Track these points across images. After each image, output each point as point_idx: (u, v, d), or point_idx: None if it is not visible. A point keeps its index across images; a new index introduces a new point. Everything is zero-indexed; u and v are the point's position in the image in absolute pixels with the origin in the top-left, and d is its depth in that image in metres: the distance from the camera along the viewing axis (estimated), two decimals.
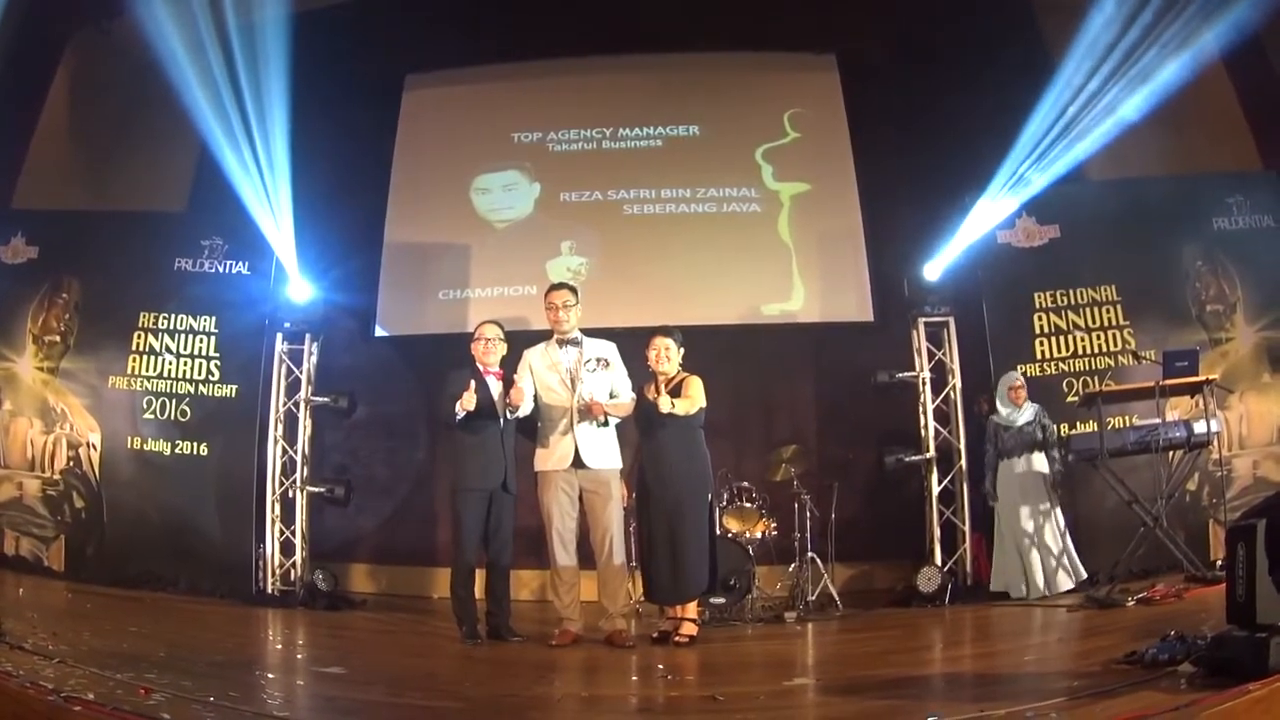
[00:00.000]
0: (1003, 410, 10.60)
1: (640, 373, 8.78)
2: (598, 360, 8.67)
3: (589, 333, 9.31)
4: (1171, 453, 10.09)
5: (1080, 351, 11.59)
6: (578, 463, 8.40)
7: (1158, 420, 9.92)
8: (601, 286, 13.19)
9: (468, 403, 8.25)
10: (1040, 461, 10.47)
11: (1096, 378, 11.31)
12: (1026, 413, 10.61)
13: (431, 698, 6.11)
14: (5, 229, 12.50)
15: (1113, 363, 11.31)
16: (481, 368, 8.72)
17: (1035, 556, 10.19)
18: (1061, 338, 11.65)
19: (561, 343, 8.71)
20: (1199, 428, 9.78)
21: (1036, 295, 11.78)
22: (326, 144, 13.08)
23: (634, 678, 7.00)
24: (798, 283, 13.37)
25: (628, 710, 5.87)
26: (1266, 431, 11.04)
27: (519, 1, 14.16)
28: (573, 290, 8.95)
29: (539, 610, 9.53)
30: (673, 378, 8.54)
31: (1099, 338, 11.59)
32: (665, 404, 8.11)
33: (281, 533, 11.84)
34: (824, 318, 13.33)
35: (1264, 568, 4.71)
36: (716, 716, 5.47)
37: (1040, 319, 11.72)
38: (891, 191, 13.13)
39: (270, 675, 6.96)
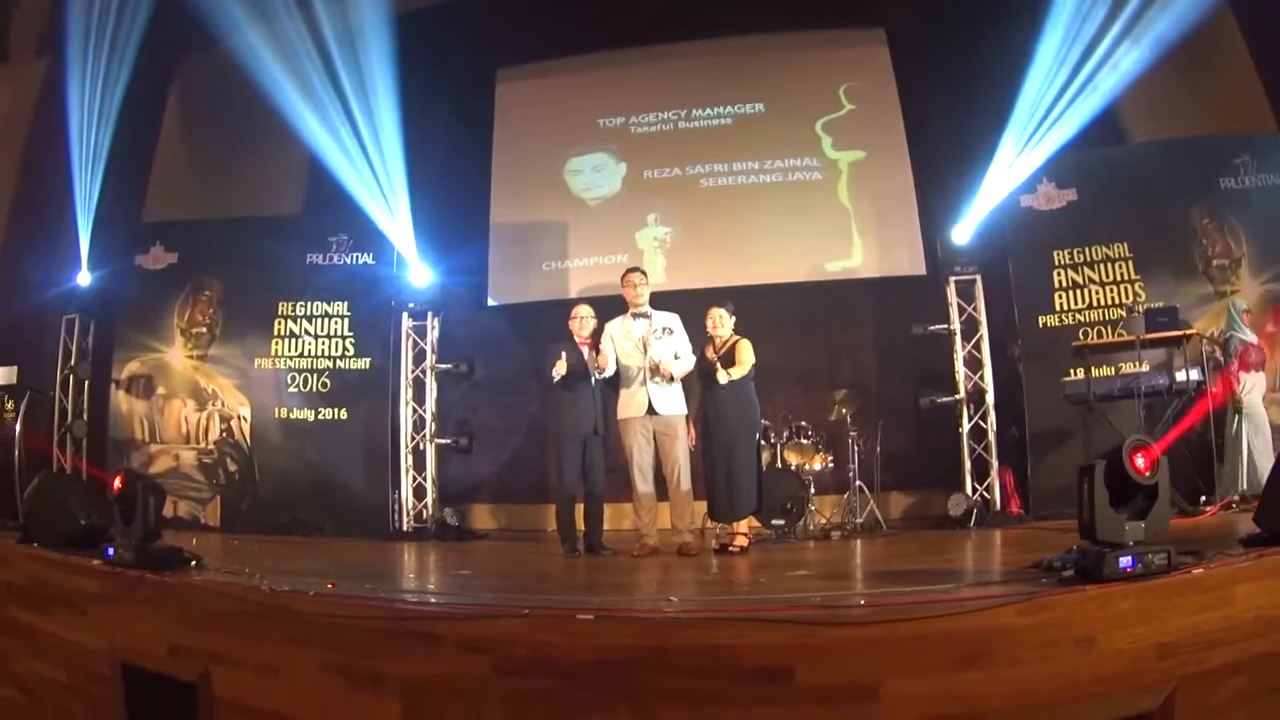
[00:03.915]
0: (1244, 331, 11.92)
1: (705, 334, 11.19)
2: (664, 329, 10.99)
3: (676, 293, 12.58)
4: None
5: (1095, 304, 13.41)
6: (651, 410, 10.80)
7: (1142, 370, 12.01)
8: (684, 252, 16.08)
9: (560, 369, 10.71)
10: (1262, 377, 11.96)
11: (1109, 327, 13.16)
12: (1253, 335, 12.01)
13: (538, 582, 8.91)
14: (143, 240, 15.19)
15: (1125, 313, 12.70)
16: (577, 339, 11.17)
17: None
18: (1078, 291, 13.48)
19: (635, 315, 11.05)
20: (1180, 376, 11.83)
21: (1056, 253, 13.60)
22: (431, 138, 15.39)
23: (690, 574, 9.21)
24: (857, 242, 15.74)
25: (664, 583, 8.44)
26: (1270, 378, 12.29)
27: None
28: (643, 272, 11.43)
29: (637, 537, 11.02)
30: (726, 340, 11.02)
31: (1112, 291, 13.36)
32: (724, 377, 10.57)
33: (415, 480, 14.59)
34: (881, 273, 15.60)
35: (1103, 498, 5.75)
36: (727, 589, 7.94)
37: (1059, 274, 13.55)
38: (939, 154, 15.20)
39: (416, 574, 9.87)
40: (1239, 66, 14.18)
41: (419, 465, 14.83)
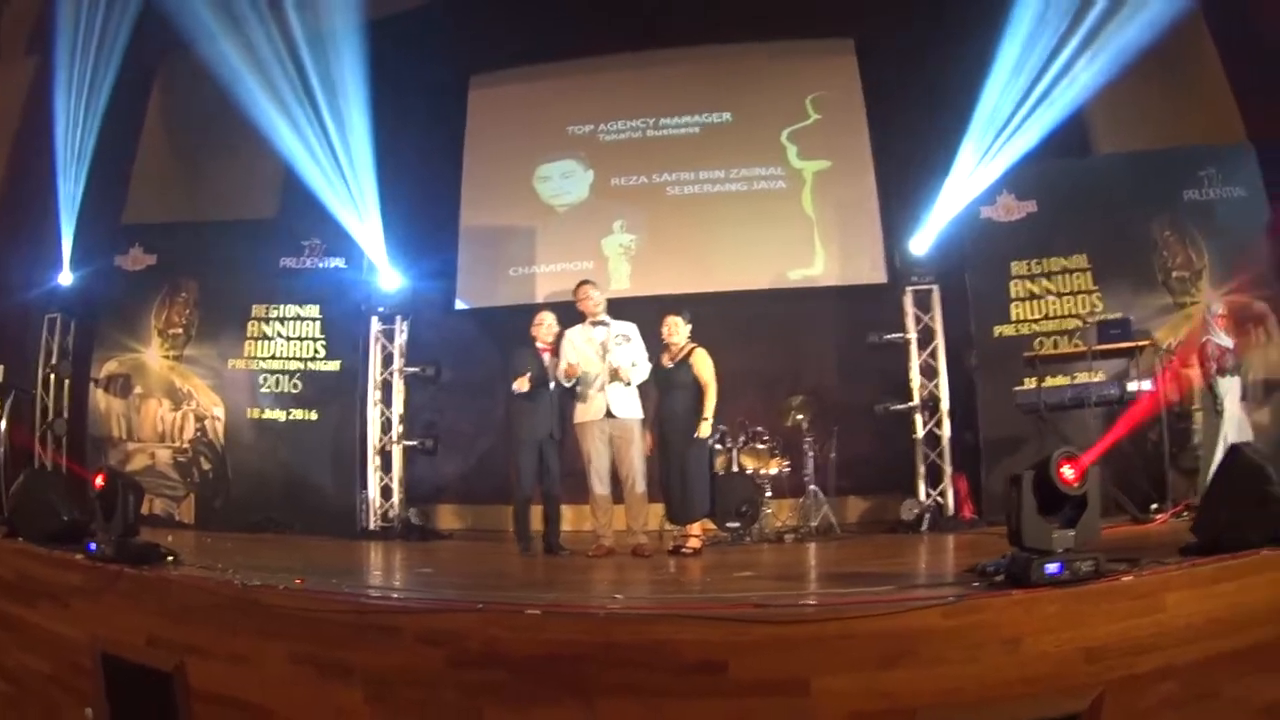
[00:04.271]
0: (1219, 335, 12.06)
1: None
2: (622, 336, 11.67)
3: (641, 299, 13.38)
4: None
5: (1051, 314, 13.84)
6: (609, 414, 11.43)
7: (1093, 380, 12.48)
8: (649, 259, 16.53)
9: (522, 385, 11.46)
10: (1238, 381, 12.10)
11: (1066, 337, 13.51)
12: (1229, 339, 12.14)
13: (496, 580, 9.58)
14: (123, 241, 15.69)
15: (1081, 323, 13.24)
16: (539, 345, 11.86)
17: None
18: (1035, 302, 13.90)
19: (594, 323, 11.71)
20: (1131, 386, 12.12)
21: (1013, 264, 14.01)
22: (404, 144, 15.82)
23: (642, 574, 9.89)
24: (819, 250, 16.18)
25: (615, 582, 9.17)
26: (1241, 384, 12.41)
27: (567, 4, 16.83)
28: (595, 285, 12.11)
29: (595, 538, 11.69)
30: (682, 347, 11.65)
31: (1069, 301, 13.77)
32: (706, 429, 11.40)
33: (382, 480, 15.07)
34: (843, 281, 16.04)
35: (1030, 506, 6.14)
36: (674, 588, 8.59)
37: (1016, 285, 14.00)
38: (904, 164, 15.51)
39: (381, 572, 10.47)
40: (1211, 79, 14.59)
41: (386, 466, 15.28)
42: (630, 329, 11.92)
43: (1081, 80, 13.58)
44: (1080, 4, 13.36)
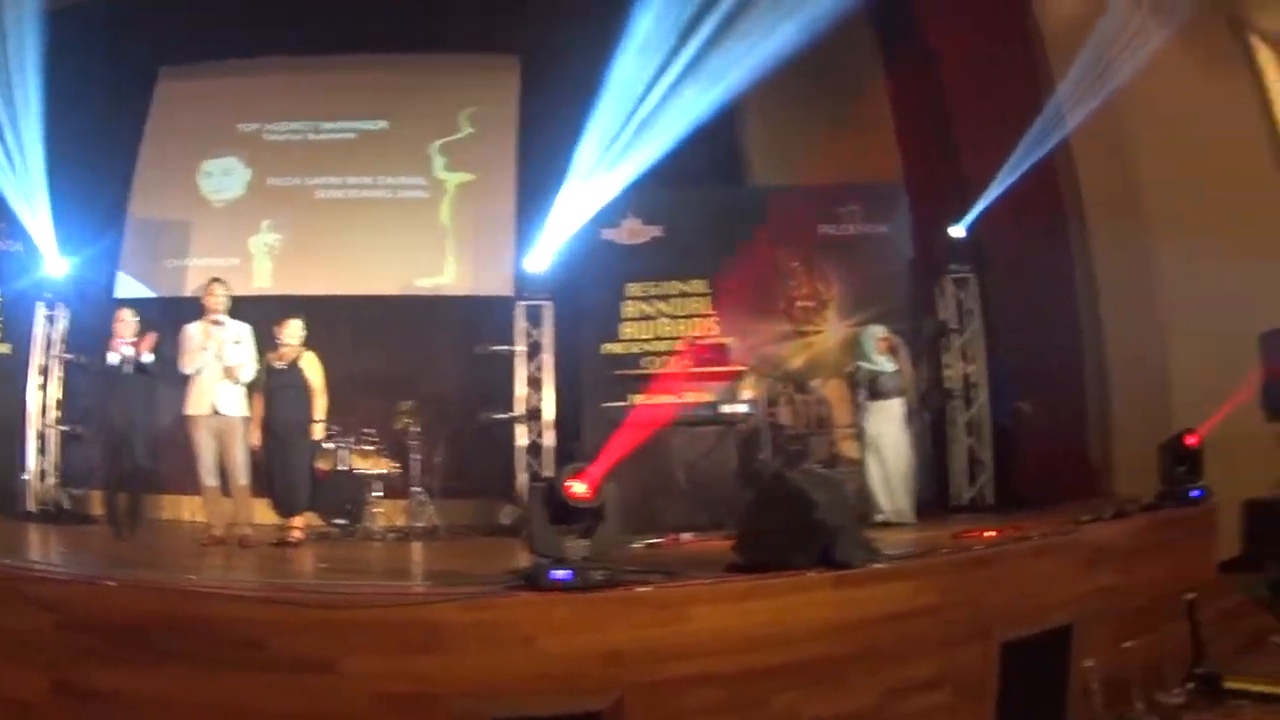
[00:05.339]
0: (876, 360, 12.72)
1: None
2: (236, 338, 12.21)
3: (278, 299, 14.72)
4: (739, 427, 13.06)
5: (662, 335, 14.98)
6: (215, 411, 12.00)
7: (689, 400, 13.53)
8: (291, 259, 17.43)
9: (146, 349, 12.29)
10: (900, 404, 12.81)
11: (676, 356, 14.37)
12: (891, 363, 12.84)
13: (113, 559, 10.20)
14: None
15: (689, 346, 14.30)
16: (119, 340, 12.54)
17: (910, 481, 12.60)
18: (647, 322, 15.01)
19: (212, 322, 12.25)
20: (725, 408, 13.11)
21: (630, 285, 15.14)
22: (87, 131, 16.06)
23: (242, 560, 10.74)
24: (450, 260, 17.41)
25: (222, 568, 10.10)
26: (847, 414, 13.57)
27: (250, 4, 17.36)
28: (224, 282, 12.69)
29: (206, 528, 12.32)
30: (294, 349, 12.71)
31: (684, 324, 14.90)
32: (319, 431, 12.77)
33: (40, 464, 15.62)
34: (471, 292, 17.18)
35: (540, 517, 6.86)
36: (249, 573, 9.62)
37: (629, 305, 15.08)
38: (544, 183, 15.80)
39: (36, 549, 11.38)
40: (880, 120, 15.93)
41: (44, 450, 15.77)
42: (244, 331, 12.51)
43: (692, 110, 13.93)
44: (682, 36, 13.69)
